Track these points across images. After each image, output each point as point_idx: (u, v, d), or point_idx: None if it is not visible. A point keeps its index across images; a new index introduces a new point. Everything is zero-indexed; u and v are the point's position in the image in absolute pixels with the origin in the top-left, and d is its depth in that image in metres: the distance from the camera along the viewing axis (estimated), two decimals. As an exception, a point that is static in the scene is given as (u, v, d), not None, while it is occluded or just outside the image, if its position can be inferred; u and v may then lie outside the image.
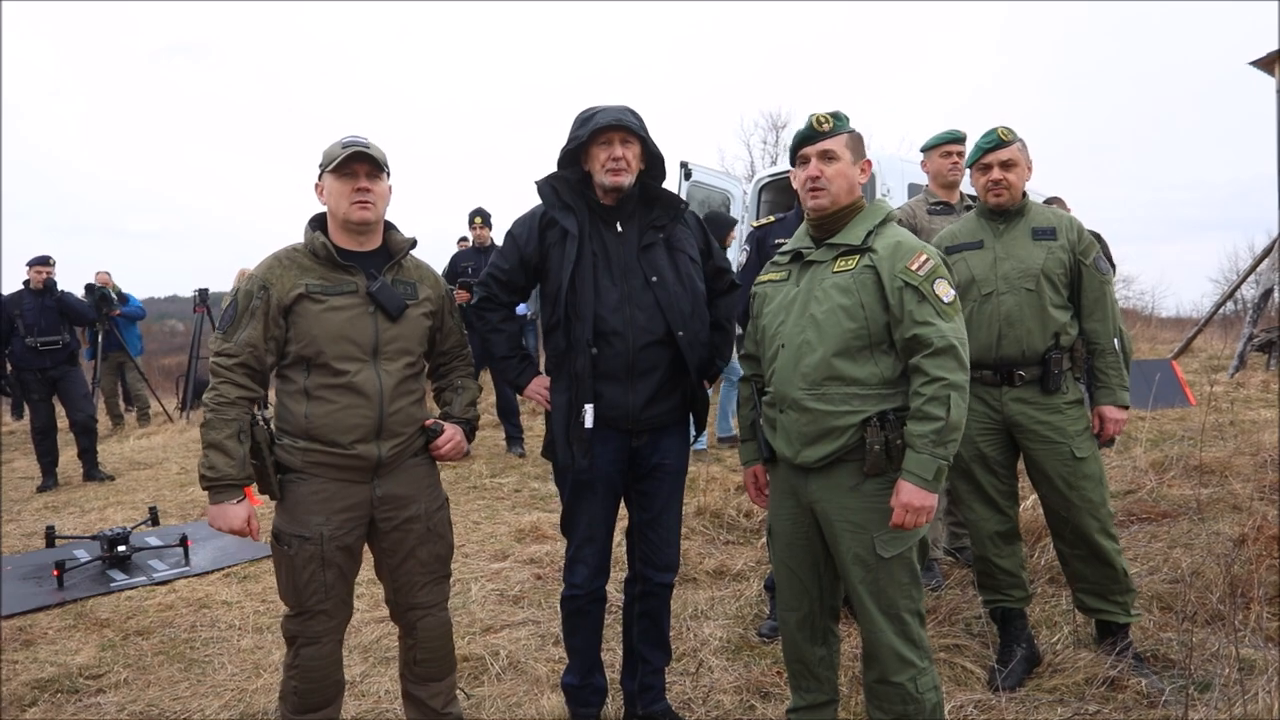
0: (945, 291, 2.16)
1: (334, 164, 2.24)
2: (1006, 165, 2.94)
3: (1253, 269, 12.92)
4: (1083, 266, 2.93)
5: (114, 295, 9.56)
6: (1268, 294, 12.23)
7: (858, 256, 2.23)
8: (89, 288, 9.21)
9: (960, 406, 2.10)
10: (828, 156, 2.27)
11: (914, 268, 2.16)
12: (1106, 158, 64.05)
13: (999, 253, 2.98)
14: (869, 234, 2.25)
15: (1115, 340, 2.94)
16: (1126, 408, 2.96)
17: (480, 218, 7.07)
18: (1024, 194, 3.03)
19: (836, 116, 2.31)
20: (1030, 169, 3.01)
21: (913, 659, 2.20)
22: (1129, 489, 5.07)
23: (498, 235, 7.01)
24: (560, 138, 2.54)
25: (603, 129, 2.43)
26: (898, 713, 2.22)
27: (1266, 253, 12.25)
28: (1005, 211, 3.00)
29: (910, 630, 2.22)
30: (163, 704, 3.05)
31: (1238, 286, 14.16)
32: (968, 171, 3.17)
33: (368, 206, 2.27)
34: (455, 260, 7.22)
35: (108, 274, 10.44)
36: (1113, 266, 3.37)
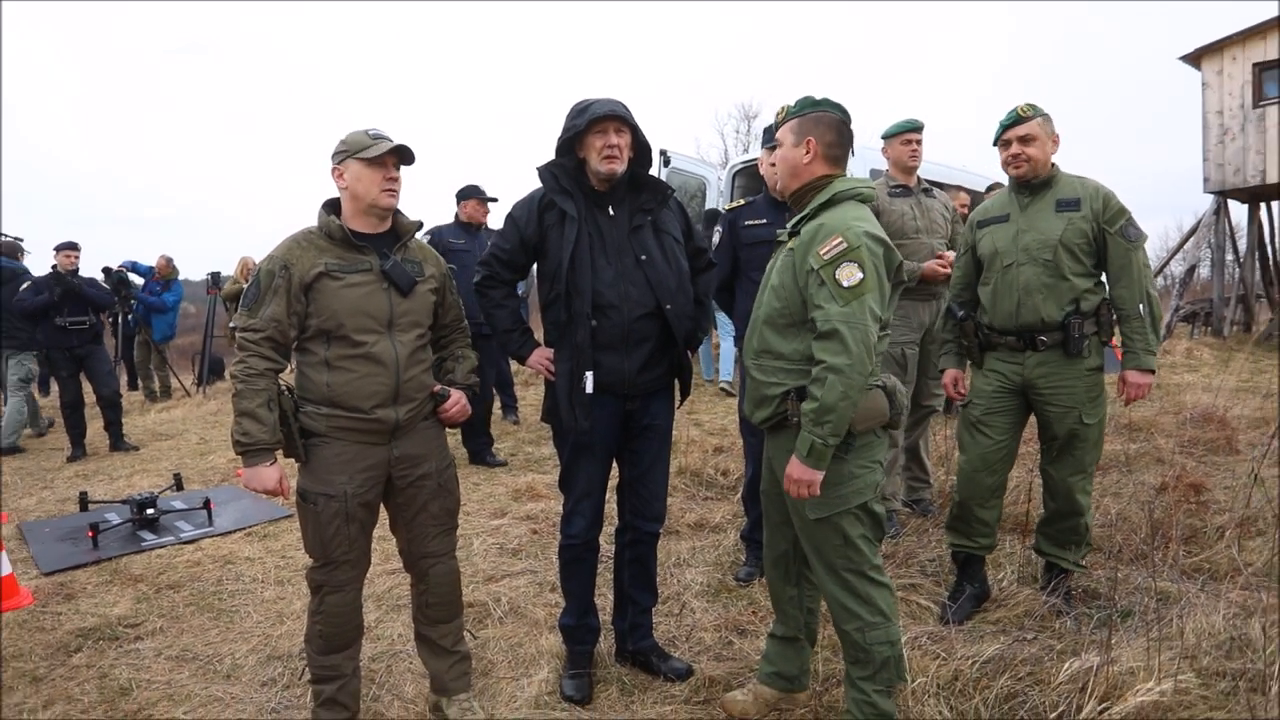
0: (848, 275, 2.03)
1: (367, 152, 2.26)
2: (1025, 140, 2.89)
3: (1180, 247, 13.15)
4: (1108, 235, 2.85)
5: (130, 279, 9.42)
6: (1193, 269, 12.48)
7: (793, 239, 2.23)
8: (106, 270, 9.08)
9: (836, 389, 2.00)
10: (776, 146, 2.33)
11: (822, 252, 2.06)
12: (1069, 149, 64.30)
13: (1022, 225, 2.94)
14: (802, 217, 2.21)
15: (1141, 305, 2.86)
16: (1152, 371, 2.90)
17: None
18: (1052, 166, 2.95)
19: (791, 106, 2.32)
20: (1055, 141, 2.93)
21: (858, 611, 2.16)
22: (1066, 446, 5.21)
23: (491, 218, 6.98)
24: (544, 131, 2.57)
25: (599, 119, 2.44)
26: (852, 658, 2.22)
27: (1193, 232, 12.46)
28: (1030, 184, 2.95)
29: (853, 586, 2.17)
30: (196, 649, 3.10)
31: (1167, 263, 14.42)
32: (924, 158, 3.19)
33: (395, 194, 2.33)
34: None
35: (169, 259, 10.16)
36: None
